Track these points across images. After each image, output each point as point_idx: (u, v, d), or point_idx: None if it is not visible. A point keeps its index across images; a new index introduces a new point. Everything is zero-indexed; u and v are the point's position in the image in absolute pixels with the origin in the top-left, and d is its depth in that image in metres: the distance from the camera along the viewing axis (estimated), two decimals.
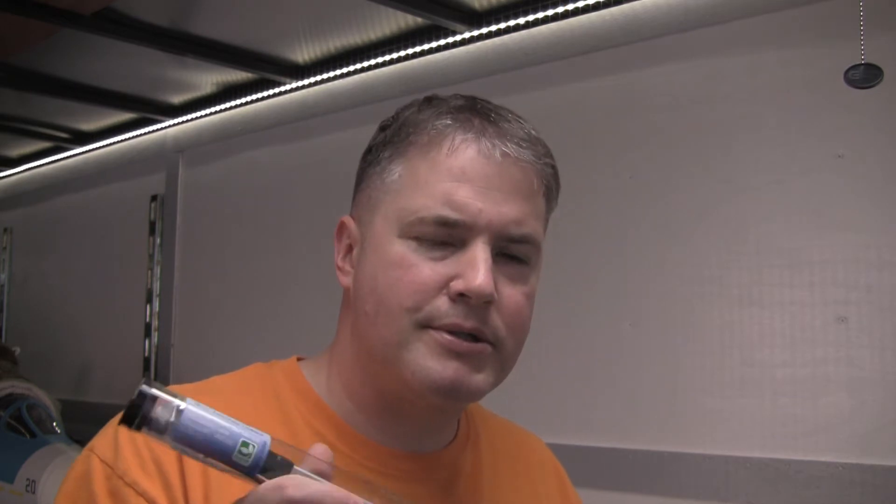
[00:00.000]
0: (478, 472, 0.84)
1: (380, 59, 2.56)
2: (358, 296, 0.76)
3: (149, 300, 3.39)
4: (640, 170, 2.06)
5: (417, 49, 2.47)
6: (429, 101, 0.79)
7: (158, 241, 3.39)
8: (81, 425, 2.94)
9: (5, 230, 4.39)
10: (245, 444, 0.56)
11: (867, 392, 1.72)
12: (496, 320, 0.73)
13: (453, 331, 0.72)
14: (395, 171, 0.75)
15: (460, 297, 0.71)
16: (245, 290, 3.02)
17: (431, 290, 0.71)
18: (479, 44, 2.38)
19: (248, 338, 2.96)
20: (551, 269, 2.30)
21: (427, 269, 0.71)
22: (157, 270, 3.38)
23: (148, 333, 3.38)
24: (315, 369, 0.81)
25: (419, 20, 2.37)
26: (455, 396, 0.74)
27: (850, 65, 1.62)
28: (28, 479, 2.47)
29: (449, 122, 0.74)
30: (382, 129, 0.80)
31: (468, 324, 0.72)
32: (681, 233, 1.99)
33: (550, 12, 2.17)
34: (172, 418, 0.56)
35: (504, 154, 0.73)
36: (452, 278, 0.71)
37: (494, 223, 0.72)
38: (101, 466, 0.70)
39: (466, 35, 2.35)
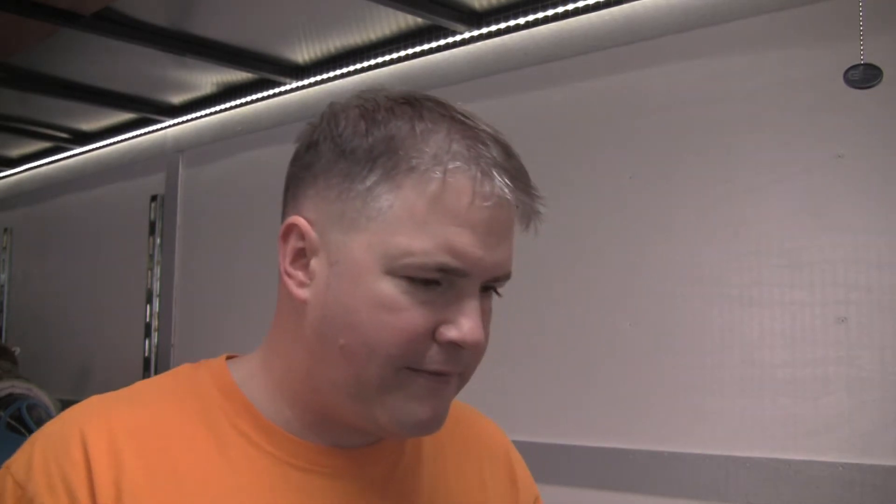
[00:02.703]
0: (417, 461, 0.82)
1: (380, 59, 2.56)
2: (326, 322, 0.71)
3: (149, 300, 3.39)
4: (640, 170, 2.06)
5: (417, 49, 2.47)
6: (419, 115, 0.70)
7: (158, 241, 3.39)
8: None
9: (5, 230, 4.39)
10: None
11: (867, 392, 1.72)
12: (468, 356, 0.72)
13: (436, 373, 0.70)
14: (385, 199, 0.68)
15: (450, 344, 0.69)
16: (245, 289, 3.02)
17: (422, 337, 0.69)
18: (479, 44, 2.38)
19: (248, 338, 2.94)
20: (552, 269, 2.30)
21: (418, 315, 0.68)
22: (157, 270, 3.38)
23: (148, 333, 3.38)
24: (247, 371, 0.80)
25: (419, 20, 2.37)
26: (428, 432, 0.73)
27: (849, 65, 1.62)
28: None
29: (459, 163, 0.67)
30: (361, 132, 0.70)
31: (454, 369, 0.71)
32: (681, 233, 1.99)
33: (550, 12, 2.17)
34: None
35: (510, 200, 0.69)
36: (441, 323, 0.69)
37: (489, 270, 0.69)
38: (13, 487, 0.68)
39: (466, 35, 2.35)
